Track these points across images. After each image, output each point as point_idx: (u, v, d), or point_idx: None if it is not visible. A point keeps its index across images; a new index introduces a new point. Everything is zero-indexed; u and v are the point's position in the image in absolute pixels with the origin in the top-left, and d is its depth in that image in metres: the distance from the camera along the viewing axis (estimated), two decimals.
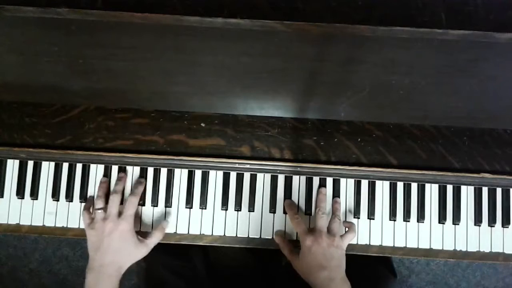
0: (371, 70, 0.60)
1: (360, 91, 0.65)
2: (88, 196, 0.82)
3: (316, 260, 0.72)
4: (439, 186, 0.82)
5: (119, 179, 0.80)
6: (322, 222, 0.76)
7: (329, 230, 0.76)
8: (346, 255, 0.76)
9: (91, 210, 0.78)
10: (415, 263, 1.43)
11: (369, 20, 0.55)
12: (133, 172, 0.82)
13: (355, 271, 1.00)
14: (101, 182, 0.80)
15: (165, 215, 0.81)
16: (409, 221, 0.81)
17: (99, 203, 0.76)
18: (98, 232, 0.73)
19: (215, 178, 0.82)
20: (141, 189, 0.79)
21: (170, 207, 0.82)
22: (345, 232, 0.78)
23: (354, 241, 0.80)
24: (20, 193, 0.82)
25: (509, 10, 0.56)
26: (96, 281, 0.71)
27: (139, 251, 0.75)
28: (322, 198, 0.80)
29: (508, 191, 0.82)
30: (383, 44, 0.56)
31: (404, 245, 0.81)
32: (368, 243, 0.81)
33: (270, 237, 0.81)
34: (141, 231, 0.81)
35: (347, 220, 0.81)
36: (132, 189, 0.80)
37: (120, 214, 0.75)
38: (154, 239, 0.78)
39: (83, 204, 0.81)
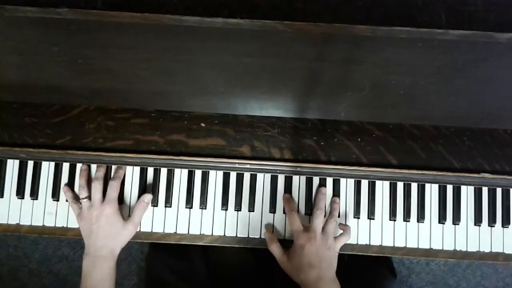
0: (371, 70, 0.60)
1: (360, 91, 0.65)
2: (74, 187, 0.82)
3: (307, 259, 0.73)
4: (439, 186, 0.82)
5: (99, 165, 0.80)
6: (318, 221, 0.76)
7: (324, 231, 0.76)
8: (347, 255, 0.76)
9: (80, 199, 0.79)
10: (415, 263, 1.43)
11: (369, 20, 0.55)
12: (133, 172, 0.82)
13: (355, 271, 1.01)
14: (81, 171, 0.81)
15: (165, 215, 0.81)
16: (409, 221, 0.81)
17: (83, 193, 0.78)
18: (86, 220, 0.76)
19: (215, 178, 0.82)
20: (122, 172, 0.81)
21: (170, 207, 0.82)
22: (340, 234, 0.78)
23: (354, 241, 0.80)
24: (20, 193, 0.82)
25: (509, 10, 0.56)
26: (93, 264, 0.74)
27: (127, 230, 0.78)
28: (321, 197, 0.80)
29: (508, 191, 0.82)
30: (383, 44, 0.56)
31: (404, 245, 0.81)
32: (368, 243, 0.81)
33: None
34: (140, 231, 0.81)
35: (347, 220, 0.81)
36: (112, 175, 0.81)
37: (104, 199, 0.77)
38: (138, 215, 0.79)
39: None
